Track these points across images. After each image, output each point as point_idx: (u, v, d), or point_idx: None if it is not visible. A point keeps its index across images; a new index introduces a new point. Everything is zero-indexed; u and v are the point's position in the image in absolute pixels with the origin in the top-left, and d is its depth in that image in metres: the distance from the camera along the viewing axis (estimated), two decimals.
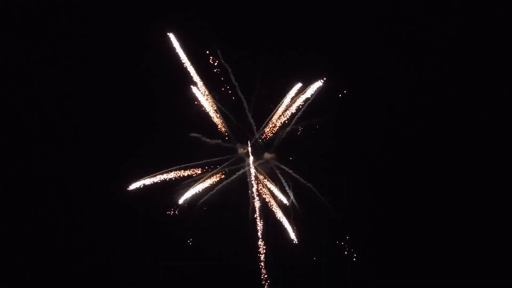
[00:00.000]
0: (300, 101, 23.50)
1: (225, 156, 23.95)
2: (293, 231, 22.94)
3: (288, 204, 23.35)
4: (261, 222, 22.75)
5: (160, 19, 22.82)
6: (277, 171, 24.07)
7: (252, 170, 23.22)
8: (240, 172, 23.98)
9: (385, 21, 24.56)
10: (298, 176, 23.82)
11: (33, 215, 22.53)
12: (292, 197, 23.62)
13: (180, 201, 22.88)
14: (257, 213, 22.87)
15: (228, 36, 23.77)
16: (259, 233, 22.65)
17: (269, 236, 22.77)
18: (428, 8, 24.24)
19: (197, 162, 23.27)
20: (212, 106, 23.31)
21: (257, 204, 22.97)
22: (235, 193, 23.62)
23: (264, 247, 22.64)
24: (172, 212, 22.90)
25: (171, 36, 22.41)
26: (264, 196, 23.42)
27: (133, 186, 22.40)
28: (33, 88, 22.48)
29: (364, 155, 24.42)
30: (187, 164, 22.98)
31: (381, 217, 24.37)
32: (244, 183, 23.74)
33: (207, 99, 23.15)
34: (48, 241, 22.54)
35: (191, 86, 22.81)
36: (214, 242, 23.25)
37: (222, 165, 23.79)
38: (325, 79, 23.09)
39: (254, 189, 23.20)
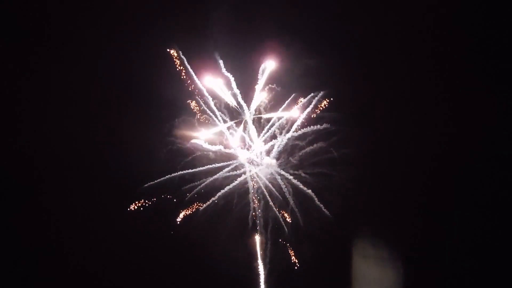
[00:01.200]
0: (301, 108, 24.02)
1: (226, 163, 24.54)
2: (292, 247, 23.68)
3: (288, 214, 23.88)
4: (260, 236, 23.50)
5: (162, 29, 23.79)
6: (278, 177, 24.58)
7: (250, 182, 23.95)
8: (242, 178, 24.66)
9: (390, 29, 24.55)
10: (298, 183, 24.29)
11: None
12: (292, 202, 24.11)
13: (178, 219, 23.78)
14: (257, 226, 23.63)
15: (229, 43, 24.39)
16: (257, 246, 23.46)
17: (268, 251, 23.61)
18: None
19: (199, 169, 24.13)
20: (213, 113, 24.20)
21: (257, 215, 23.71)
22: (236, 200, 24.33)
23: (263, 266, 23.48)
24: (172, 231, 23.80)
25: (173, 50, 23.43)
26: (264, 212, 24.12)
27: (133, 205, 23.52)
28: (39, 99, 23.60)
29: (365, 160, 24.48)
30: (188, 171, 23.91)
31: (383, 226, 24.27)
32: (245, 189, 24.49)
33: (208, 107, 24.08)
34: (47, 260, 23.40)
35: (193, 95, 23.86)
36: (212, 256, 23.61)
37: (223, 171, 24.52)
38: (327, 87, 23.65)
39: (254, 205, 23.98)
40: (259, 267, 23.52)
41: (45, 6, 23.56)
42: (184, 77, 23.44)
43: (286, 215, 24.08)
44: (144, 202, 23.47)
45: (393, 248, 23.60)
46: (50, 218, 23.60)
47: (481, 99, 23.90)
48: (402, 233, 23.74)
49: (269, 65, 23.71)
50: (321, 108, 23.77)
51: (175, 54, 23.32)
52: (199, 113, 23.94)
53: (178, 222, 23.84)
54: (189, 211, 23.86)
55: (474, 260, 23.18)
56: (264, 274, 23.53)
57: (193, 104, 23.70)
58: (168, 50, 23.27)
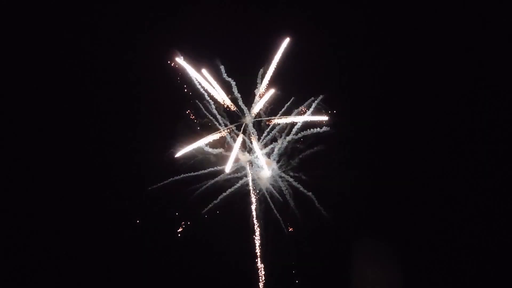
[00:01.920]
0: (301, 111, 24.29)
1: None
2: (292, 248, 23.94)
3: (288, 216, 24.26)
4: (261, 238, 23.84)
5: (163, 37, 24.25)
6: (278, 179, 24.88)
7: (251, 182, 24.29)
8: (243, 180, 25.00)
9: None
10: (298, 185, 24.57)
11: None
12: (292, 204, 24.40)
13: (180, 221, 24.26)
14: (258, 228, 24.01)
15: (230, 49, 24.74)
16: (258, 248, 23.81)
17: (269, 253, 23.85)
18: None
19: (201, 172, 24.53)
20: (214, 117, 24.56)
21: (257, 217, 24.11)
22: (237, 202, 24.67)
23: (264, 267, 23.76)
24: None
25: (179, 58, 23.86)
26: (264, 214, 24.45)
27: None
28: (39, 100, 24.31)
29: (364, 162, 24.68)
30: (190, 174, 24.33)
31: (383, 227, 24.40)
32: (246, 191, 24.85)
33: (209, 112, 24.47)
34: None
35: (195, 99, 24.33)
36: (212, 257, 24.09)
37: (224, 173, 24.84)
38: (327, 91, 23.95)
39: (254, 207, 24.31)
40: (259, 268, 23.89)
41: (46, 9, 24.22)
42: (185, 85, 23.94)
43: (286, 217, 24.38)
44: (146, 205, 24.00)
45: (393, 248, 23.75)
46: (49, 220, 24.04)
47: (482, 100, 23.99)
48: (401, 233, 23.95)
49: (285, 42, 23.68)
50: (324, 114, 24.00)
51: (177, 60, 23.73)
52: (197, 121, 24.34)
53: (180, 224, 24.33)
54: (191, 213, 24.32)
55: (474, 259, 23.32)
56: (264, 276, 23.90)
57: (193, 110, 24.11)
58: (169, 62, 23.77)
